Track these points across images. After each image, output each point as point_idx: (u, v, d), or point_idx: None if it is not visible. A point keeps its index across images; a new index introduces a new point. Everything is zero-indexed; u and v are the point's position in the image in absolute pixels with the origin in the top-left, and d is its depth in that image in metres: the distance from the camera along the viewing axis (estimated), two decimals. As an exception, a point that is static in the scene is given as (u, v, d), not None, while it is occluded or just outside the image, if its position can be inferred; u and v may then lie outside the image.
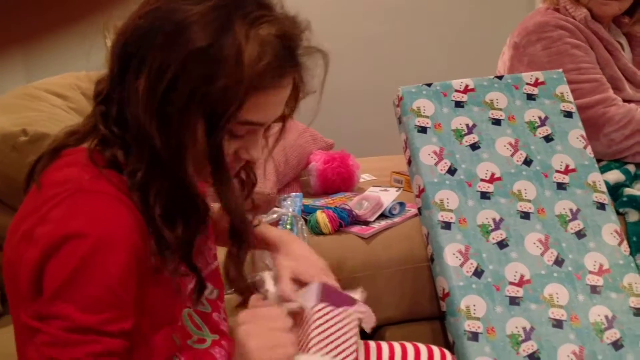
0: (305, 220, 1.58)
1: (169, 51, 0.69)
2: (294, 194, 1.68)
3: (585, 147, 1.50)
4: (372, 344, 1.07)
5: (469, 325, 1.30)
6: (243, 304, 0.84)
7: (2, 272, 0.77)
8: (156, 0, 0.72)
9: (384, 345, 1.07)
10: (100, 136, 0.75)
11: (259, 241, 0.95)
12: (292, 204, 1.63)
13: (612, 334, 1.31)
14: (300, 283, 0.90)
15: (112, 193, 0.71)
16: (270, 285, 0.87)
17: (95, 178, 0.71)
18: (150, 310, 0.75)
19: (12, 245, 0.74)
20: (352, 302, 0.92)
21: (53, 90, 1.63)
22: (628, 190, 1.58)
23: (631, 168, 1.64)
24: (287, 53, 0.74)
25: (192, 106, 0.70)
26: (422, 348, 1.06)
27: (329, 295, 0.88)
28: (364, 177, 1.97)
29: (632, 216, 1.52)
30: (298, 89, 0.81)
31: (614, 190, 1.58)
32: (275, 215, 1.53)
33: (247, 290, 0.84)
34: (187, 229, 0.75)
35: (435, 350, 1.07)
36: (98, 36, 2.49)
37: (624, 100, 1.65)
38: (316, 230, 1.54)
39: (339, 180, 1.81)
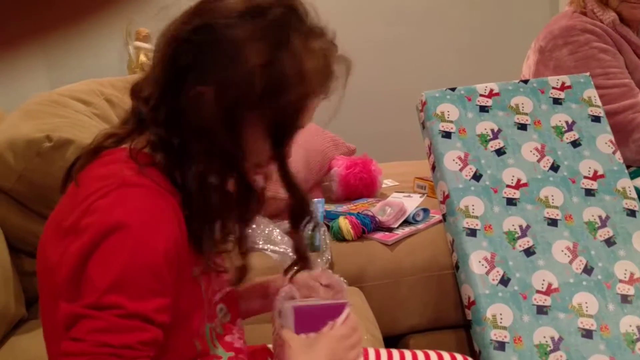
0: (328, 226, 1.56)
1: (230, 67, 0.73)
2: (315, 199, 1.66)
3: (614, 153, 1.47)
4: (394, 352, 1.05)
5: (495, 335, 1.28)
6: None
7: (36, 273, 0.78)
8: (207, 15, 0.75)
9: (407, 354, 1.05)
10: (145, 140, 0.78)
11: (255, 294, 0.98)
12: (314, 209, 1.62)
13: (644, 345, 1.28)
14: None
15: (154, 187, 0.73)
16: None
17: (137, 174, 0.73)
18: (175, 307, 0.76)
19: (51, 242, 0.75)
20: (334, 311, 0.87)
21: (77, 97, 1.63)
22: (659, 197, 1.54)
23: (662, 174, 1.61)
24: (331, 63, 0.79)
25: (257, 119, 0.75)
26: (446, 356, 1.04)
27: (306, 319, 0.85)
28: (387, 183, 1.95)
29: (663, 223, 1.49)
30: None
31: (645, 197, 1.55)
32: (297, 222, 1.52)
33: (308, 262, 0.89)
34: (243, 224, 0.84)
35: (459, 358, 1.04)
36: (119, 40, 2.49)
37: (653, 105, 1.62)
38: (339, 236, 1.53)
39: (361, 185, 1.80)
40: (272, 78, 0.73)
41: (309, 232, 1.49)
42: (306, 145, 1.80)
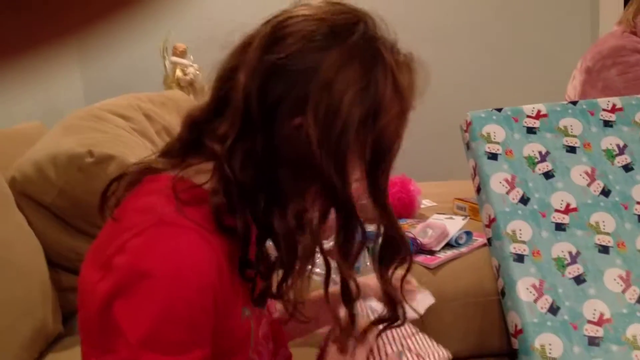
0: (367, 247, 1.52)
1: (327, 94, 0.69)
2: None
3: (668, 178, 1.42)
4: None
5: (544, 366, 1.23)
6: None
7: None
8: (293, 42, 0.71)
9: None
10: (193, 172, 0.73)
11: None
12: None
13: (703, 381, 1.21)
14: None
15: (194, 228, 0.68)
16: None
17: (177, 211, 0.68)
18: (221, 349, 0.72)
19: (90, 269, 0.71)
20: None
21: (116, 111, 1.64)
22: None
23: None
24: (414, 72, 0.76)
25: (357, 144, 0.70)
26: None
27: None
28: (424, 203, 1.91)
29: None
30: None
31: (698, 224, 1.48)
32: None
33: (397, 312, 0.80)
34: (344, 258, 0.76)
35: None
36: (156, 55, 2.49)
37: None
38: (379, 258, 1.49)
39: (400, 206, 1.76)
40: (371, 99, 0.70)
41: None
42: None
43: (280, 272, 0.74)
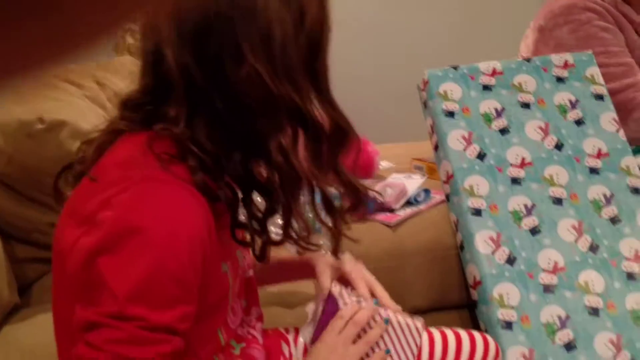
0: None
1: (256, 19, 0.67)
2: (314, 182, 1.63)
3: (617, 131, 1.46)
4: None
5: (502, 314, 1.27)
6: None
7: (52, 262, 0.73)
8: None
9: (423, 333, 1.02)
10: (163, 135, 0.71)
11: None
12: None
13: (651, 322, 1.28)
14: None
15: (181, 184, 0.67)
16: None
17: (162, 167, 0.67)
18: (202, 302, 0.72)
19: (67, 226, 0.69)
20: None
21: (69, 79, 1.59)
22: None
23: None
24: None
25: (297, 53, 0.70)
26: (463, 334, 1.02)
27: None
28: (383, 165, 1.92)
29: (665, 201, 1.49)
30: None
31: (645, 175, 1.54)
32: (298, 204, 1.49)
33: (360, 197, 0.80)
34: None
35: (477, 336, 1.03)
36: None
37: (654, 84, 1.61)
38: (340, 218, 1.50)
39: (358, 167, 1.77)
40: (293, 4, 0.69)
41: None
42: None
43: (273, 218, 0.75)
